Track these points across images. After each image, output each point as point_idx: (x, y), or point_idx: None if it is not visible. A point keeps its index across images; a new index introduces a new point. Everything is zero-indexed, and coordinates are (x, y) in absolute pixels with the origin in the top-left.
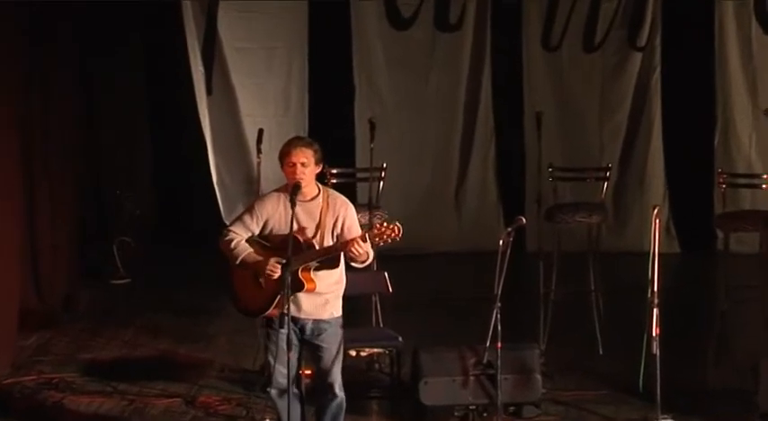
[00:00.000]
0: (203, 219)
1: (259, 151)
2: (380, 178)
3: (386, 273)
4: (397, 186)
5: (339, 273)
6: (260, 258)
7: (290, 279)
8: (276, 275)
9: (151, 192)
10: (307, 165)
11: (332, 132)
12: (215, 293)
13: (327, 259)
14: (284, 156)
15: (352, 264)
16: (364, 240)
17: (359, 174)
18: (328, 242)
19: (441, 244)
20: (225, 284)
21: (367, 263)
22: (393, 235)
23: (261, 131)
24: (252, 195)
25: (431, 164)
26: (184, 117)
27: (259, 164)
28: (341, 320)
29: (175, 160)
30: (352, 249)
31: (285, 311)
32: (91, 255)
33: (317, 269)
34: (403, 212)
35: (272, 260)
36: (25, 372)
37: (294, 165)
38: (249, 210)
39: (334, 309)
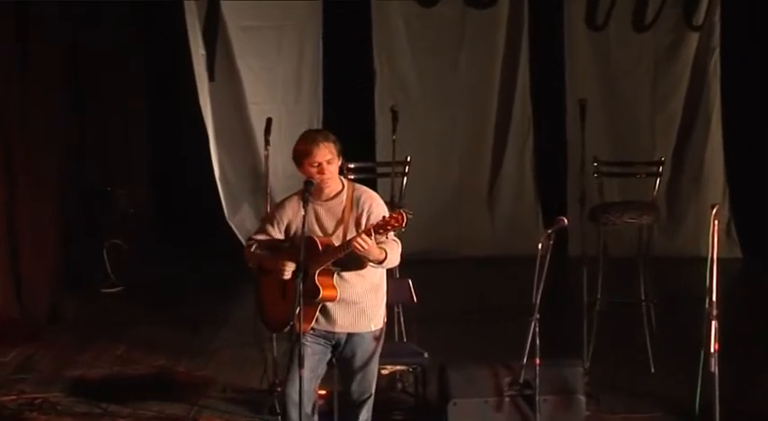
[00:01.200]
0: (205, 218)
1: (267, 143)
2: (404, 173)
3: (410, 281)
4: (422, 183)
5: (376, 278)
6: (274, 258)
7: (301, 285)
8: (286, 274)
9: (146, 188)
10: (332, 161)
11: (349, 122)
12: (218, 302)
13: (350, 261)
14: (305, 155)
15: (371, 265)
16: (369, 234)
17: (379, 169)
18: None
19: (471, 248)
20: (225, 291)
21: (387, 263)
22: (396, 224)
23: (269, 121)
24: (259, 192)
25: (460, 158)
26: (184, 105)
27: (267, 157)
28: (380, 333)
29: (174, 153)
30: (356, 245)
31: (294, 322)
32: (78, 259)
33: (344, 271)
34: (429, 212)
35: (282, 258)
36: (5, 392)
37: (320, 164)
38: (269, 216)
39: (374, 321)
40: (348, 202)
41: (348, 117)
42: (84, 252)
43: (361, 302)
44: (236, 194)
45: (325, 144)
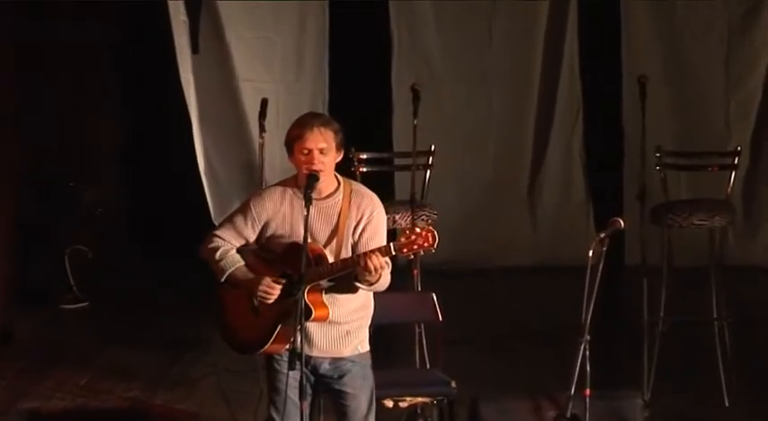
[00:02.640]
0: (187, 220)
1: (262, 129)
2: (426, 166)
3: (434, 296)
4: (449, 178)
5: (364, 296)
6: (251, 275)
7: (302, 303)
8: (272, 298)
9: (117, 184)
10: (326, 151)
11: (361, 104)
12: (202, 321)
13: (341, 279)
14: (295, 139)
15: (357, 284)
16: (386, 254)
17: (397, 161)
18: (347, 253)
19: (508, 256)
20: (211, 308)
21: (377, 286)
22: (425, 244)
23: (264, 102)
24: (252, 189)
25: (495, 147)
26: (162, 84)
27: (262, 146)
28: (369, 357)
29: (150, 142)
30: (369, 264)
31: (297, 348)
32: (34, 269)
33: (331, 290)
34: (457, 213)
35: (268, 278)
36: None
37: (310, 152)
38: (242, 209)
39: (360, 343)
40: (345, 205)
41: (360, 98)
42: (42, 260)
43: (347, 323)
44: (225, 191)
45: (322, 130)
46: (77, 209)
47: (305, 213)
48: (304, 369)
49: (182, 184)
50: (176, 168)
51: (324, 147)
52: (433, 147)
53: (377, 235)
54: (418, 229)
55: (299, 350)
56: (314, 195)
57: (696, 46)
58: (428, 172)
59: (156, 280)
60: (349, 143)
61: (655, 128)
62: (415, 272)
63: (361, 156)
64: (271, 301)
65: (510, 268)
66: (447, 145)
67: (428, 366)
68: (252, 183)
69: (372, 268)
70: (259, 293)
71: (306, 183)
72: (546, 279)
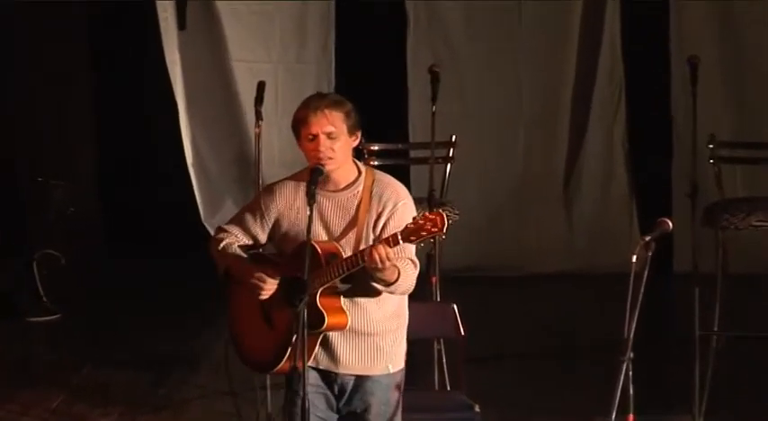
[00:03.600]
0: (173, 221)
1: (258, 116)
2: (447, 159)
3: (455, 307)
4: (472, 172)
5: (396, 303)
6: (251, 266)
7: (305, 312)
8: (265, 292)
9: (93, 179)
10: (336, 135)
11: (372, 88)
12: (190, 335)
13: (356, 281)
14: (300, 123)
15: (374, 285)
16: (393, 244)
17: (413, 153)
18: (367, 243)
19: (540, 261)
20: (203, 320)
21: (397, 287)
22: (434, 229)
23: (261, 85)
24: (247, 185)
25: (526, 138)
26: (144, 65)
27: (258, 136)
28: (400, 378)
29: (130, 131)
30: (373, 255)
31: (300, 363)
32: None
33: (351, 294)
34: (482, 212)
35: (260, 271)
36: None
37: (316, 137)
38: (252, 203)
39: (391, 360)
40: (365, 197)
41: (370, 82)
42: (7, 266)
43: (377, 334)
44: (217, 187)
45: (328, 111)
46: (47, 207)
47: (308, 212)
48: (324, 390)
49: (167, 180)
50: (160, 161)
51: (331, 132)
52: (454, 138)
53: (401, 225)
54: (426, 212)
55: (300, 369)
56: (327, 188)
57: (755, 22)
58: (448, 165)
59: (138, 288)
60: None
61: (707, 116)
62: (434, 279)
63: (373, 148)
64: (264, 296)
65: (542, 275)
66: (470, 135)
67: (448, 388)
68: (246, 178)
69: (377, 260)
70: (251, 281)
71: (311, 176)
72: (583, 288)
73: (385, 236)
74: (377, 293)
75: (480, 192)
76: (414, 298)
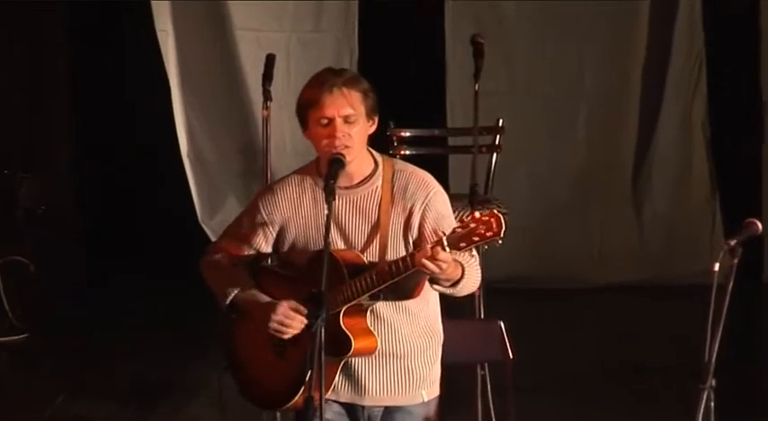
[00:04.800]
0: (163, 223)
1: (267, 97)
2: (492, 147)
3: (501, 325)
4: (523, 164)
5: (429, 312)
6: (266, 299)
7: (323, 333)
8: (290, 332)
9: (69, 173)
10: (353, 119)
11: (402, 63)
12: (183, 359)
13: (393, 290)
14: (309, 106)
15: (439, 289)
16: (444, 247)
17: (452, 140)
18: (395, 256)
19: (604, 269)
20: (198, 341)
21: (463, 285)
22: (488, 233)
23: (270, 60)
24: (253, 179)
25: (588, 122)
26: (128, 37)
27: (266, 120)
28: (436, 408)
29: (114, 117)
30: (428, 265)
31: (317, 394)
32: None
33: (380, 309)
34: (535, 212)
35: (284, 304)
36: None
37: (331, 122)
38: (249, 210)
39: (425, 386)
40: (386, 193)
41: (401, 55)
42: None
43: (407, 355)
44: (216, 182)
45: (347, 90)
46: (14, 205)
47: (326, 211)
48: None
49: (156, 174)
50: (149, 152)
51: (350, 115)
52: (501, 122)
53: (444, 220)
54: (478, 214)
55: (317, 402)
56: (342, 182)
57: None
58: (494, 155)
59: (122, 303)
60: (386, 116)
61: None
62: (477, 292)
63: (403, 134)
64: (287, 336)
65: (606, 287)
66: (520, 119)
67: (494, 420)
68: (252, 171)
69: (431, 266)
70: (272, 326)
71: (327, 170)
72: (655, 302)
73: (428, 235)
74: (412, 295)
75: (532, 186)
76: (453, 314)
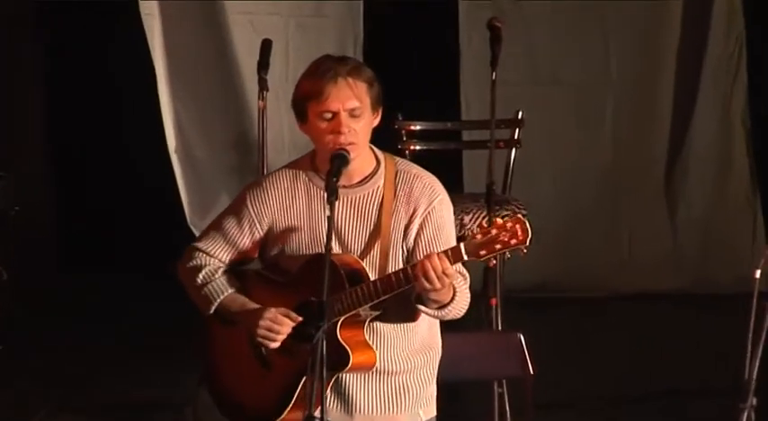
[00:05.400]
0: (148, 224)
1: (263, 86)
2: (512, 142)
3: (521, 337)
4: (545, 161)
5: (426, 331)
6: (254, 306)
7: (324, 344)
8: (278, 339)
9: (43, 170)
10: (359, 112)
11: (412, 49)
12: (168, 373)
13: (397, 303)
14: (310, 97)
15: (422, 309)
16: (455, 259)
17: (467, 135)
18: (396, 265)
19: (634, 277)
20: (189, 355)
21: (451, 310)
22: (512, 241)
23: (267, 45)
24: (248, 175)
25: (615, 115)
26: (109, 21)
27: (263, 111)
28: None
29: (93, 108)
30: (426, 268)
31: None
32: None
33: (378, 322)
34: (558, 214)
35: (273, 310)
36: None
37: (335, 116)
38: (235, 207)
39: (421, 405)
40: (388, 194)
41: (410, 40)
42: None
43: (403, 372)
44: (207, 179)
45: (351, 81)
46: None
47: (327, 213)
48: None
49: (140, 171)
50: (132, 147)
51: (356, 108)
52: (520, 114)
53: (442, 232)
54: (500, 221)
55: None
56: (341, 181)
57: None
58: (513, 151)
59: (104, 312)
60: (394, 107)
61: None
62: (494, 302)
63: (412, 128)
64: (276, 344)
65: (636, 296)
66: (541, 111)
67: None
68: (247, 168)
69: (434, 277)
70: (259, 332)
71: (330, 167)
72: (690, 312)
73: (422, 247)
74: (412, 318)
75: (554, 185)
76: (468, 326)
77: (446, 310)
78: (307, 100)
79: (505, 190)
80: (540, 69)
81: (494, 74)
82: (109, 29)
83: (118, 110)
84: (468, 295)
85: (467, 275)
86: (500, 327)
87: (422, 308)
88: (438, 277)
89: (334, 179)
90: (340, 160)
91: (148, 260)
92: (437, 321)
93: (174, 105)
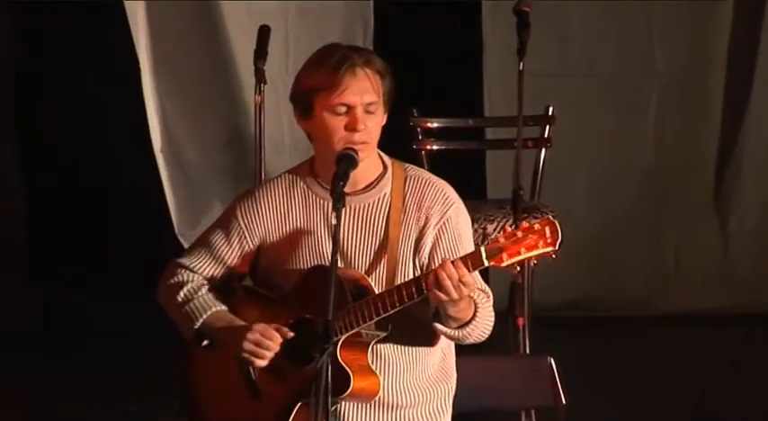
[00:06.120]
0: (131, 236)
1: (260, 78)
2: (542, 142)
3: (552, 362)
4: (579, 163)
5: (439, 358)
6: (242, 323)
7: (329, 367)
8: (268, 355)
9: (11, 175)
10: (374, 108)
11: (426, 38)
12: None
13: (406, 322)
14: (322, 88)
15: (439, 328)
16: (475, 265)
17: (490, 133)
18: (405, 277)
19: (681, 295)
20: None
21: (472, 330)
22: (540, 244)
23: (264, 32)
24: (243, 179)
25: (659, 113)
26: (91, 10)
27: (260, 106)
28: None
29: (68, 105)
30: (442, 281)
31: None
32: None
33: (384, 344)
34: (593, 223)
35: (261, 324)
36: None
37: (351, 110)
38: (223, 220)
39: None
40: (396, 202)
41: (426, 30)
42: None
43: (411, 406)
44: (198, 183)
45: (369, 72)
46: None
47: (316, 220)
48: None
49: (122, 175)
50: (113, 148)
51: (373, 102)
52: (551, 110)
53: (460, 245)
54: (526, 223)
55: None
56: (346, 186)
57: None
58: (543, 151)
59: (75, 334)
60: (408, 103)
61: None
62: (521, 322)
63: (429, 125)
64: (264, 362)
65: (681, 316)
66: (575, 106)
67: None
68: (243, 171)
69: (449, 284)
70: (246, 346)
71: (336, 169)
72: (741, 334)
73: (438, 261)
74: (423, 342)
75: (590, 191)
76: (492, 349)
77: (467, 330)
78: (316, 92)
79: (534, 195)
80: (574, 59)
81: (521, 64)
82: (87, 14)
83: (96, 105)
84: (492, 314)
85: (489, 293)
86: (528, 351)
87: (439, 327)
88: (455, 286)
89: (341, 184)
90: (348, 162)
91: (131, 275)
92: (452, 349)
93: (160, 100)
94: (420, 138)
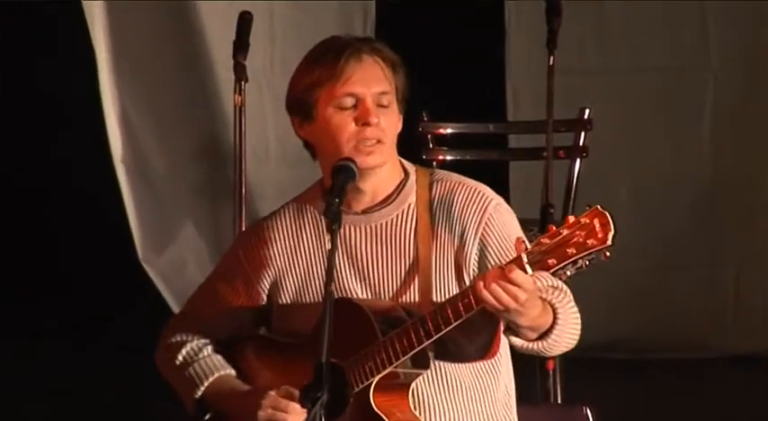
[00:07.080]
0: (87, 261)
1: (240, 76)
2: (577, 151)
3: (588, 412)
4: (621, 176)
5: (500, 386)
6: (245, 388)
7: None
8: None
9: None
10: (387, 101)
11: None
12: None
13: (444, 347)
14: (324, 80)
15: (515, 343)
16: (524, 266)
17: (514, 140)
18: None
19: (741, 334)
20: None
21: (556, 336)
22: (590, 241)
23: (245, 21)
24: (220, 195)
25: (714, 118)
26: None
27: (240, 109)
28: None
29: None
30: (493, 292)
31: None
32: None
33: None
34: (642, 249)
35: (271, 395)
36: None
37: (360, 102)
38: (225, 265)
39: None
40: (424, 211)
41: (438, 20)
42: None
43: None
44: (166, 200)
45: (376, 58)
46: None
47: (328, 245)
48: None
49: (76, 190)
50: (67, 156)
51: (385, 92)
52: (587, 113)
53: (512, 249)
54: (572, 218)
55: None
56: (358, 202)
57: None
58: (577, 163)
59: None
60: (417, 106)
61: None
62: (551, 365)
63: (442, 132)
64: None
65: (739, 358)
66: (616, 107)
67: None
68: (219, 185)
69: (507, 300)
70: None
71: (333, 182)
72: None
73: (487, 261)
74: (484, 353)
75: (634, 210)
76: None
77: (551, 339)
78: (315, 88)
79: (568, 211)
80: (615, 52)
81: (551, 58)
82: (46, 10)
83: (48, 110)
84: (578, 317)
85: (565, 288)
86: (560, 400)
87: (515, 340)
88: (510, 293)
89: (337, 200)
90: (345, 174)
91: (88, 308)
92: (512, 384)
93: (120, 102)
94: (431, 146)
